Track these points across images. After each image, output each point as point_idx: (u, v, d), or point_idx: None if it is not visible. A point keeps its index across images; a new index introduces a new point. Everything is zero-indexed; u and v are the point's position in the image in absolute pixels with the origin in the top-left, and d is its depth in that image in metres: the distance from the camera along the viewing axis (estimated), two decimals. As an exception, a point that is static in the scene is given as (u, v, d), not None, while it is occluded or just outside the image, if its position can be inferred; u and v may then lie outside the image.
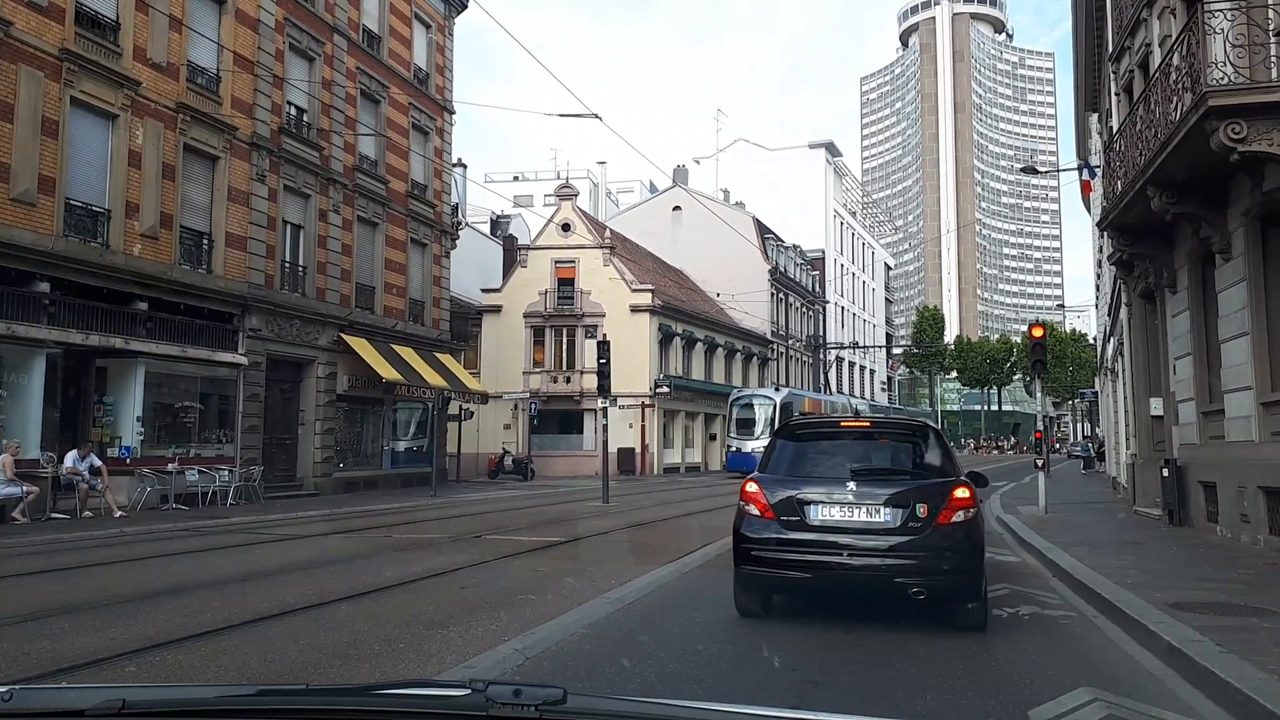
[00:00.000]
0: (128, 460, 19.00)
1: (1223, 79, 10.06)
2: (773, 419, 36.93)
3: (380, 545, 13.19)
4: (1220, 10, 10.50)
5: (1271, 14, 10.32)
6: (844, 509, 6.89)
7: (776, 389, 42.07)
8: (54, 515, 16.40)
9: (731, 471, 37.17)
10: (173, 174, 20.13)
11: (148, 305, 19.28)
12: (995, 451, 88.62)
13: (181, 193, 20.43)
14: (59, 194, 17.53)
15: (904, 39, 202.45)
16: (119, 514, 16.98)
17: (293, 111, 24.31)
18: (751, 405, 39.42)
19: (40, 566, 10.60)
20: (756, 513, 7.15)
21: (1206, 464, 13.39)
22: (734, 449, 38.46)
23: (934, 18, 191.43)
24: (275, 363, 23.22)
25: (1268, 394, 11.12)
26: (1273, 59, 10.23)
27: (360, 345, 25.64)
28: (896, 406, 75.67)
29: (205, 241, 21.23)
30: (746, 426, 38.87)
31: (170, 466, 19.16)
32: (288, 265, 23.99)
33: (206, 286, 20.91)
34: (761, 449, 37.09)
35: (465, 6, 32.20)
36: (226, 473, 20.53)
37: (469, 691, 1.49)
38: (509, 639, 6.47)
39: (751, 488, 7.29)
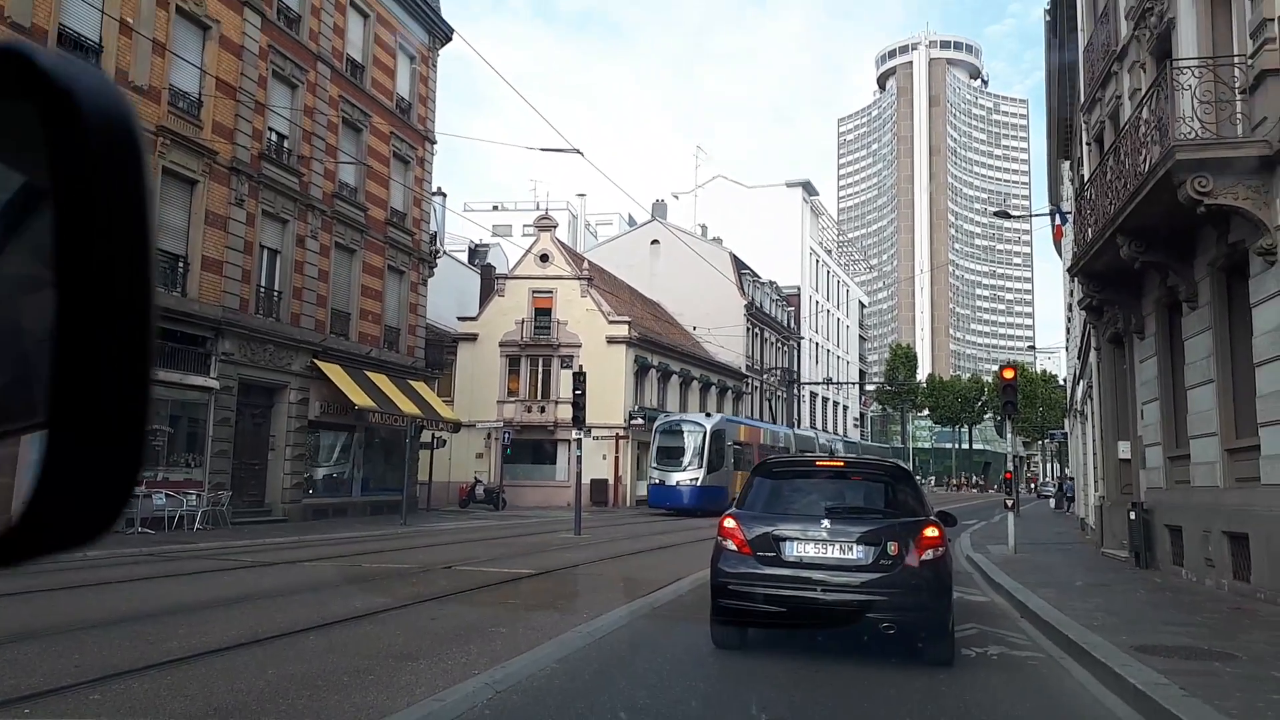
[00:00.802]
0: (94, 483, 18.70)
1: (1190, 134, 10.36)
2: (702, 449, 33.54)
3: (349, 574, 13.06)
4: (1188, 67, 10.83)
5: (1237, 72, 10.65)
6: (818, 546, 7.05)
7: (708, 415, 37.83)
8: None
9: (653, 509, 33.54)
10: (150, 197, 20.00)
11: (120, 327, 19.09)
12: (975, 490, 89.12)
13: (158, 215, 20.33)
14: (34, 213, 17.39)
15: (881, 82, 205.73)
16: (83, 538, 16.70)
17: (274, 137, 24.32)
18: (679, 432, 34.69)
19: (4, 589, 10.41)
20: (734, 548, 7.28)
21: (1172, 508, 13.59)
22: (656, 481, 34.00)
23: (911, 62, 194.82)
24: (247, 387, 23.03)
25: (1232, 440, 11.33)
26: (1239, 115, 10.55)
27: (334, 371, 25.49)
28: (849, 440, 70.92)
29: (180, 264, 21.10)
30: (672, 456, 34.14)
31: (137, 490, 18.88)
32: (263, 290, 23.88)
33: (180, 309, 20.75)
34: (689, 482, 33.37)
35: (449, 39, 32.43)
36: (194, 497, 20.28)
37: None
38: (479, 672, 6.44)
39: (729, 523, 7.45)
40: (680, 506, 32.32)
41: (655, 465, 34.40)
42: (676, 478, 33.05)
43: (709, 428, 34.32)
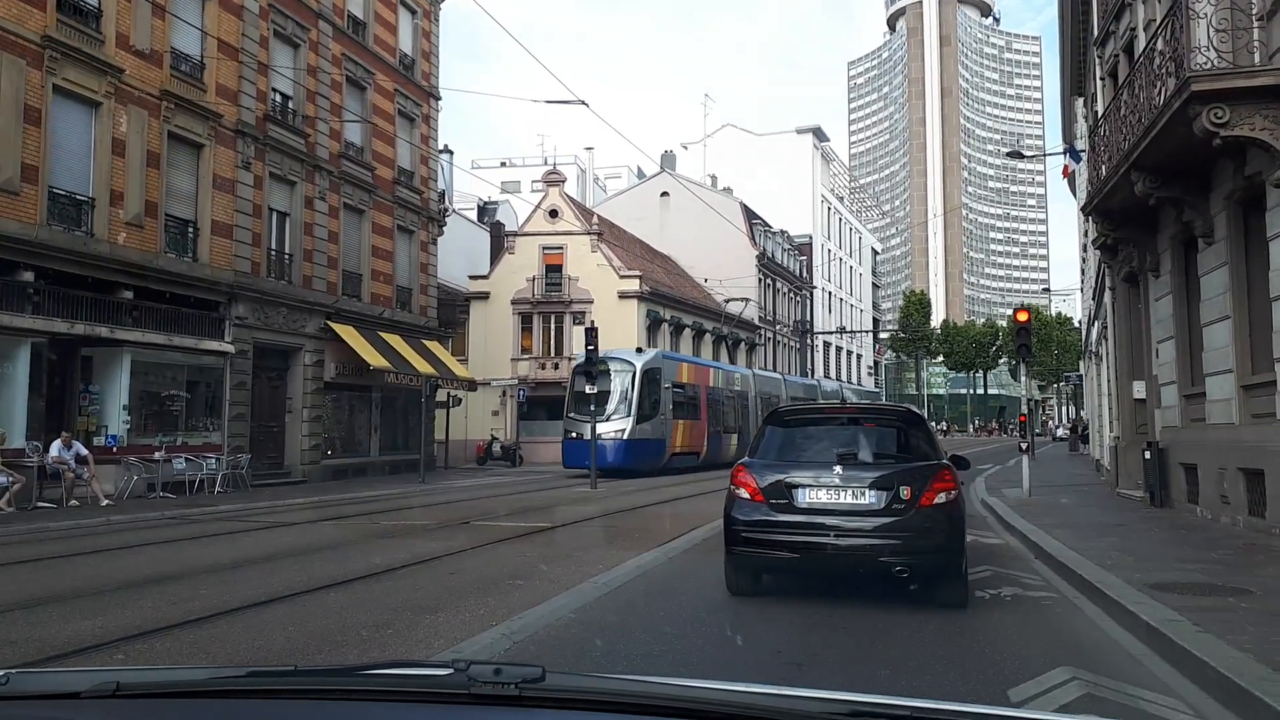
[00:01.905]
0: (114, 449, 18.94)
1: (1206, 64, 10.12)
2: (631, 393, 27.41)
3: (368, 532, 13.22)
4: (1203, -5, 10.55)
5: (1253, -1, 10.37)
6: (830, 492, 7.07)
7: (639, 350, 30.53)
8: (40, 504, 16.36)
9: (569, 469, 27.46)
10: (157, 162, 19.99)
11: (133, 294, 19.19)
12: (987, 435, 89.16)
13: (166, 180, 20.30)
14: (42, 182, 17.40)
15: (891, 23, 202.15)
16: (105, 503, 16.94)
17: (278, 98, 24.15)
18: (602, 373, 26.37)
19: (27, 556, 10.59)
20: (746, 496, 7.33)
21: (1187, 446, 13.54)
22: (571, 435, 27.34)
23: (921, 1, 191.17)
24: (262, 351, 23.15)
25: (1248, 377, 11.24)
26: (1256, 44, 10.29)
27: (348, 333, 25.57)
28: (855, 387, 63.10)
29: (190, 229, 21.11)
30: (588, 404, 25.18)
31: (157, 455, 19.11)
32: (274, 253, 23.89)
33: (192, 275, 20.81)
34: (613, 435, 26.83)
35: (450, -9, 31.99)
36: (214, 461, 20.50)
37: (451, 671, 1.53)
38: (496, 624, 6.52)
39: (742, 472, 7.48)
40: (602, 466, 24.52)
41: (571, 414, 27.77)
42: (600, 429, 25.36)
43: (640, 366, 27.99)
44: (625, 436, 27.05)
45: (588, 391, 24.61)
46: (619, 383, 27.64)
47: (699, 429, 31.68)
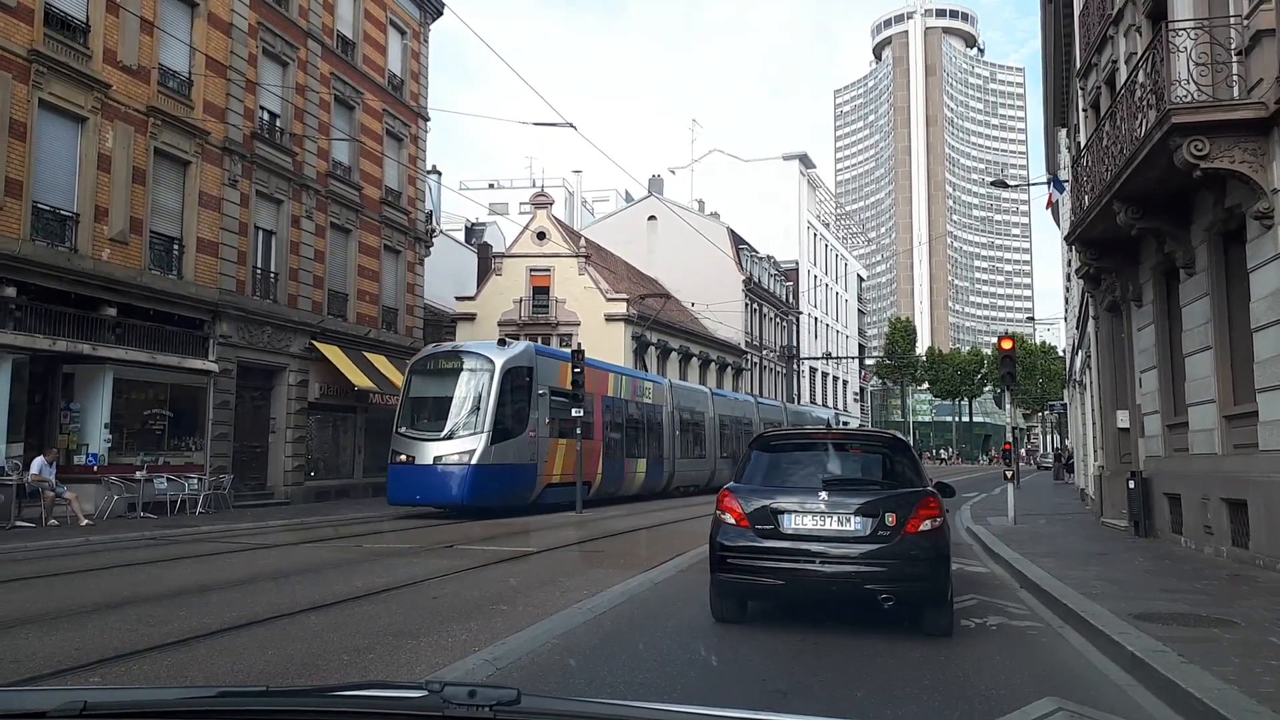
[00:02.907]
0: (95, 468, 18.73)
1: (1186, 97, 10.27)
2: (485, 400, 20.20)
3: (350, 555, 13.09)
4: (1184, 29, 10.72)
5: (1234, 33, 10.54)
6: (816, 518, 7.06)
7: (503, 343, 22.17)
8: (19, 523, 16.14)
9: (394, 504, 20.32)
10: (143, 178, 19.92)
11: (116, 311, 19.04)
12: (954, 461, 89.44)
13: (152, 197, 20.21)
14: (26, 197, 17.30)
15: (877, 52, 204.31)
16: (85, 522, 16.73)
17: (266, 117, 24.14)
18: (447, 372, 21.03)
19: (3, 575, 10.43)
20: (732, 521, 7.31)
21: (1171, 476, 13.60)
22: (401, 458, 20.22)
23: (907, 31, 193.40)
24: (246, 370, 23.00)
25: (1230, 407, 11.32)
26: (1235, 77, 10.44)
27: (332, 353, 25.45)
28: (765, 401, 46.41)
29: (176, 247, 21.01)
30: (430, 415, 20.64)
31: (138, 474, 18.90)
32: (259, 272, 23.79)
33: (177, 292, 20.69)
34: (459, 457, 19.17)
35: (441, 13, 32.13)
36: (195, 481, 20.28)
37: (425, 693, 1.51)
38: (479, 650, 6.45)
39: (728, 498, 7.47)
40: (443, 501, 19.60)
41: (401, 429, 20.62)
42: (434, 451, 19.64)
43: (500, 364, 20.60)
44: (474, 461, 19.45)
45: (423, 398, 20.76)
46: (469, 386, 20.48)
47: (591, 451, 23.96)
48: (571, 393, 21.70)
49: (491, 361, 20.73)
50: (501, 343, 22.01)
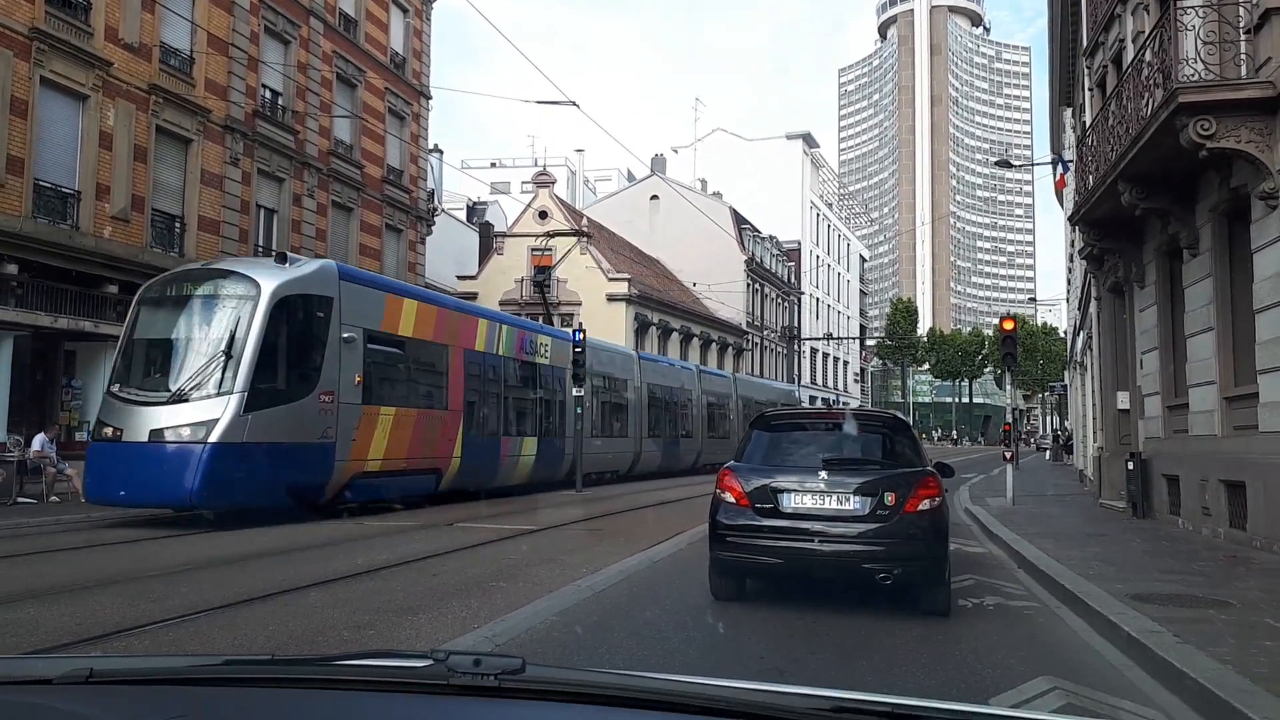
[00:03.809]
0: (96, 445, 18.66)
1: (1193, 75, 10.20)
2: (240, 344, 13.29)
3: (351, 532, 13.14)
4: (1192, 7, 10.63)
5: (1242, 11, 10.45)
6: (815, 497, 7.08)
7: (283, 259, 14.87)
8: (20, 500, 16.20)
9: (93, 503, 13.68)
10: (144, 156, 19.87)
11: (118, 288, 19.03)
12: (949, 445, 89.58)
13: (153, 175, 20.17)
14: (28, 175, 17.27)
15: (882, 31, 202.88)
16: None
17: (267, 95, 24.05)
18: (193, 299, 14.06)
19: (5, 551, 10.48)
20: (732, 500, 7.34)
21: (1170, 457, 13.61)
22: (106, 432, 13.34)
23: (912, 10, 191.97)
24: (247, 348, 22.94)
25: (1230, 389, 11.32)
26: (1243, 56, 10.37)
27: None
28: (711, 372, 38.68)
29: (177, 225, 20.99)
30: (158, 368, 13.96)
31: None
32: (261, 250, 23.75)
33: (178, 270, 20.67)
34: (189, 430, 12.34)
35: (443, -9, 31.94)
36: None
37: (430, 662, 1.52)
38: (479, 626, 6.49)
39: (728, 476, 7.50)
40: (162, 500, 13.34)
41: (114, 390, 13.86)
42: (151, 422, 13.05)
43: (270, 290, 13.71)
44: (214, 437, 12.69)
45: (146, 340, 13.96)
46: (218, 322, 13.57)
47: (442, 426, 17.53)
48: (403, 339, 16.45)
49: (256, 285, 13.61)
50: (282, 258, 14.77)
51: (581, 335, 22.62)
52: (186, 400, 13.01)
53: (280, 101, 24.48)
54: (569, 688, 1.53)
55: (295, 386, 14.13)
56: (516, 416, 21.07)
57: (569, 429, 22.91)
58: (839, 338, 77.07)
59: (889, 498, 6.96)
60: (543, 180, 43.80)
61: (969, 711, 1.49)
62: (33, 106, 17.38)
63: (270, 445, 13.50)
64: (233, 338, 13.33)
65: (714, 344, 52.02)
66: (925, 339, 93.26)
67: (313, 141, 25.50)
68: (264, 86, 23.83)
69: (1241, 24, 10.43)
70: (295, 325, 14.27)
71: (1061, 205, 30.54)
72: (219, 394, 13.00)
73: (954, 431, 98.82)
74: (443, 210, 38.44)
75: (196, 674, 1.67)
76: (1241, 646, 5.62)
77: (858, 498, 7.02)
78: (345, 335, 14.89)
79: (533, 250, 41.36)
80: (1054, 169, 26.93)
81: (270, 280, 13.86)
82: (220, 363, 13.18)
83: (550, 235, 34.38)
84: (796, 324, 67.88)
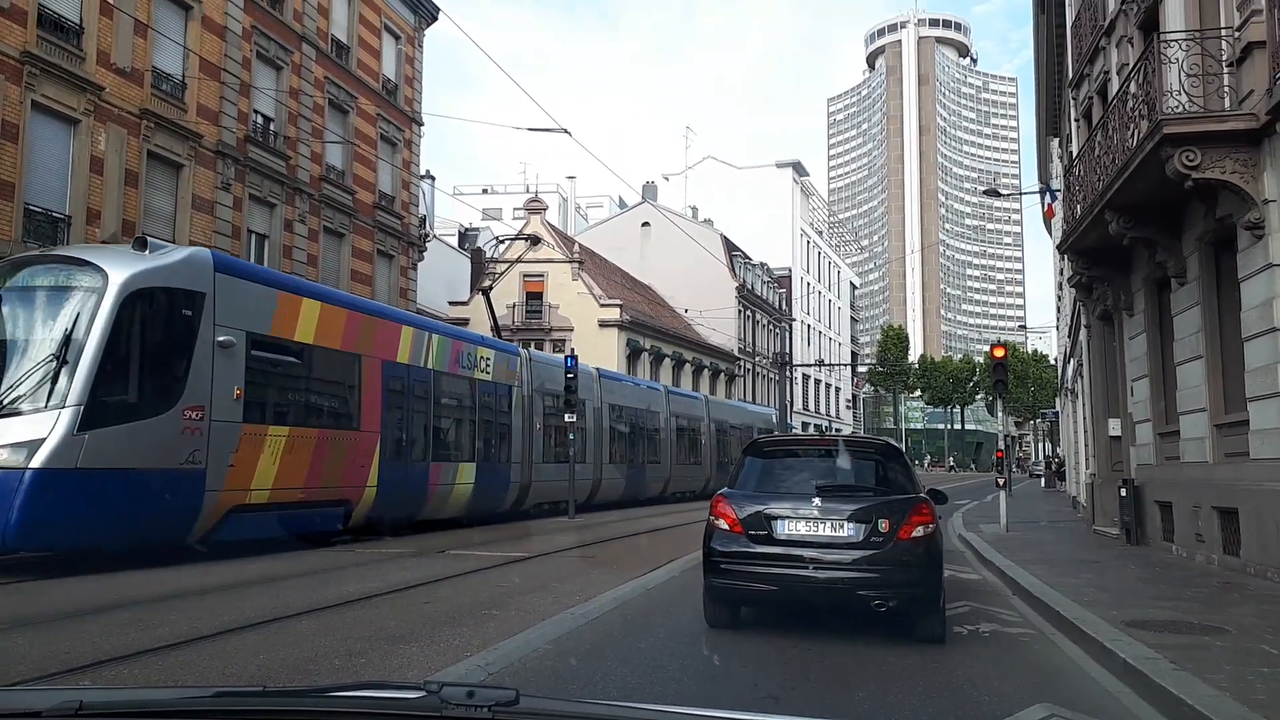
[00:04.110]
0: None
1: (1178, 107, 10.33)
2: (78, 347, 10.70)
3: (341, 559, 13.03)
4: (1176, 40, 10.79)
5: (1225, 45, 10.61)
6: (809, 524, 7.08)
7: (143, 244, 11.86)
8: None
9: None
10: (136, 181, 19.87)
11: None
12: (946, 470, 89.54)
13: (144, 200, 20.16)
14: (18, 199, 17.24)
15: (870, 61, 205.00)
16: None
17: (259, 120, 24.12)
18: (31, 291, 11.37)
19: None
20: (725, 527, 7.33)
21: (1162, 484, 13.64)
22: None
23: (900, 41, 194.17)
24: (237, 373, 22.84)
25: (1221, 416, 11.37)
26: (1226, 89, 10.52)
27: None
28: (680, 393, 35.03)
29: (168, 250, 20.93)
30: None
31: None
32: (252, 275, 23.72)
33: (168, 295, 20.59)
34: (7, 451, 9.89)
35: (435, 18, 32.17)
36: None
37: (424, 693, 1.51)
38: (472, 654, 6.43)
39: (721, 503, 7.49)
40: None
41: None
42: None
43: (120, 282, 11.17)
44: (39, 461, 10.26)
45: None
46: (54, 319, 11.17)
47: (354, 450, 15.23)
48: (300, 345, 13.89)
49: (103, 276, 11.24)
50: (141, 244, 11.98)
51: (574, 360, 22.58)
52: (5, 415, 10.39)
53: (272, 127, 24.56)
54: (562, 719, 1.52)
55: (150, 400, 11.56)
56: (451, 440, 18.69)
57: (515, 454, 20.67)
58: (830, 364, 77.26)
59: (883, 524, 6.96)
60: (534, 207, 43.97)
61: None
62: (24, 130, 17.39)
63: (115, 471, 10.93)
64: (69, 338, 10.79)
65: (705, 370, 52.07)
66: (916, 366, 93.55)
67: (304, 167, 25.55)
68: (256, 112, 23.90)
69: (1224, 57, 10.59)
70: (153, 324, 11.76)
71: (1050, 234, 30.78)
72: (48, 407, 10.45)
73: (949, 458, 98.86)
74: (434, 236, 38.52)
75: (187, 706, 1.65)
76: (1238, 673, 5.61)
77: (852, 524, 7.02)
78: (221, 339, 12.33)
79: (524, 276, 41.43)
80: (1042, 198, 27.18)
81: (121, 270, 11.30)
82: (52, 369, 10.60)
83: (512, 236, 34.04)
84: (788, 350, 68.06)
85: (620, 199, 76.28)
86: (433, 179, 37.05)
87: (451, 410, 18.67)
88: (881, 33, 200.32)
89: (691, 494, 31.60)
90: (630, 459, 28.08)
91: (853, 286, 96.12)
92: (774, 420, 39.86)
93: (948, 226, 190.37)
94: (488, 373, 19.73)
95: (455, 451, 18.62)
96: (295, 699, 1.73)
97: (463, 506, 18.82)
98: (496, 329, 27.22)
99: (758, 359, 62.08)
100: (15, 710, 1.59)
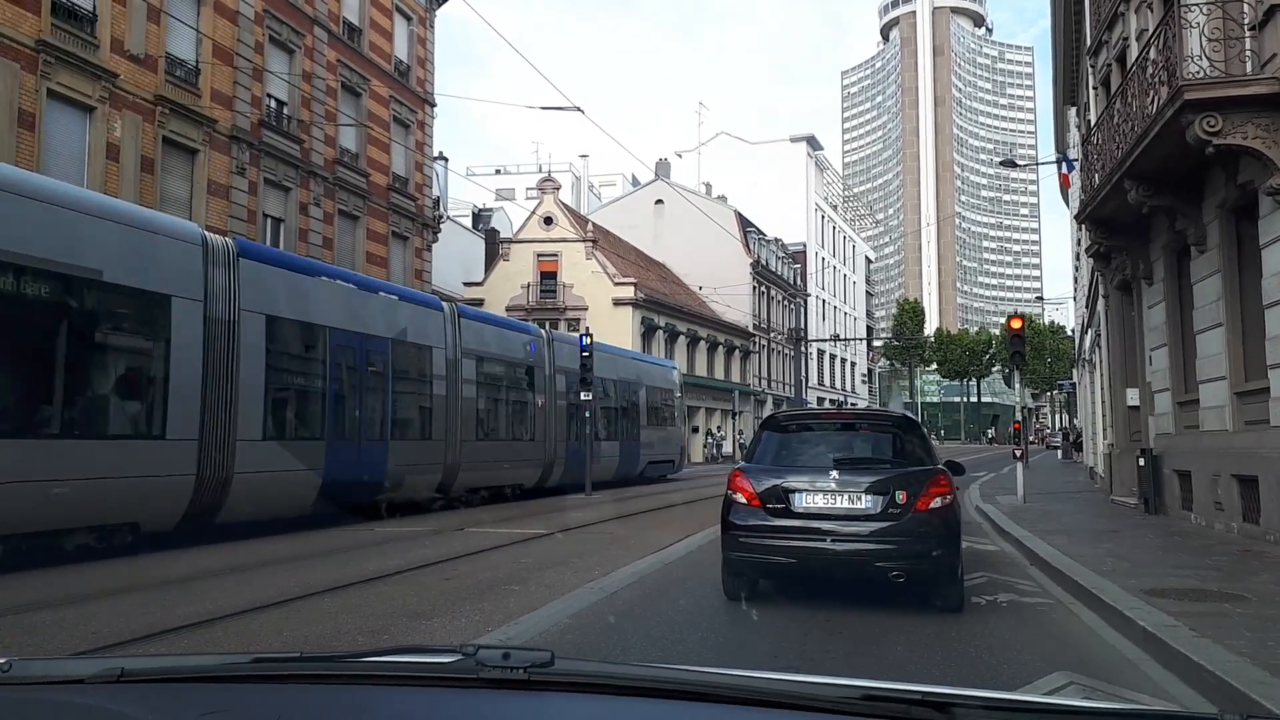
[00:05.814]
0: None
1: (1199, 72, 10.18)
2: None
3: (361, 538, 13.16)
4: (1196, 5, 10.62)
5: (1246, 8, 10.44)
6: (827, 497, 7.09)
7: None
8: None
9: None
10: (151, 167, 19.96)
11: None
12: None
13: (160, 186, 20.26)
14: (35, 187, 17.34)
15: (884, 33, 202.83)
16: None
17: (273, 104, 24.15)
18: None
19: (9, 565, 10.51)
20: (744, 501, 7.35)
21: (1181, 453, 13.57)
22: None
23: (914, 11, 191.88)
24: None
25: (1241, 384, 11.29)
26: (1248, 53, 10.36)
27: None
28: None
29: (184, 235, 21.04)
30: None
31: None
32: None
33: (186, 280, 20.72)
34: None
35: (446, -2, 32.04)
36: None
37: (459, 656, 1.52)
38: (493, 629, 6.51)
39: (739, 477, 7.52)
40: None
41: None
42: None
43: None
44: None
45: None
46: None
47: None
48: None
49: None
50: None
51: (588, 339, 22.55)
52: None
53: (286, 111, 24.58)
54: (598, 680, 1.54)
55: None
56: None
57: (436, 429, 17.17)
58: (846, 339, 76.99)
59: (900, 496, 6.97)
60: (547, 186, 43.91)
61: (998, 698, 1.50)
62: (40, 119, 17.48)
63: None
64: None
65: (720, 347, 52.01)
66: (932, 339, 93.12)
67: (318, 150, 25.58)
68: (269, 96, 23.92)
69: (1246, 20, 10.42)
70: None
71: (1067, 204, 30.49)
72: None
73: (965, 431, 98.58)
74: (448, 217, 38.55)
75: (226, 672, 1.69)
76: (1258, 639, 5.60)
77: (869, 497, 7.03)
78: None
79: (538, 256, 41.45)
80: (1059, 168, 26.90)
81: None
82: None
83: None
84: (803, 326, 67.83)
85: (633, 176, 76.07)
86: (446, 160, 37.02)
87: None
88: (895, 3, 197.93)
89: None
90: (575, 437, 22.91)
91: (868, 260, 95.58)
92: (674, 377, 31.57)
93: (963, 199, 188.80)
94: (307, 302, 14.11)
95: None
96: (331, 664, 1.76)
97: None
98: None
99: (773, 335, 61.93)
100: (60, 677, 1.63)
